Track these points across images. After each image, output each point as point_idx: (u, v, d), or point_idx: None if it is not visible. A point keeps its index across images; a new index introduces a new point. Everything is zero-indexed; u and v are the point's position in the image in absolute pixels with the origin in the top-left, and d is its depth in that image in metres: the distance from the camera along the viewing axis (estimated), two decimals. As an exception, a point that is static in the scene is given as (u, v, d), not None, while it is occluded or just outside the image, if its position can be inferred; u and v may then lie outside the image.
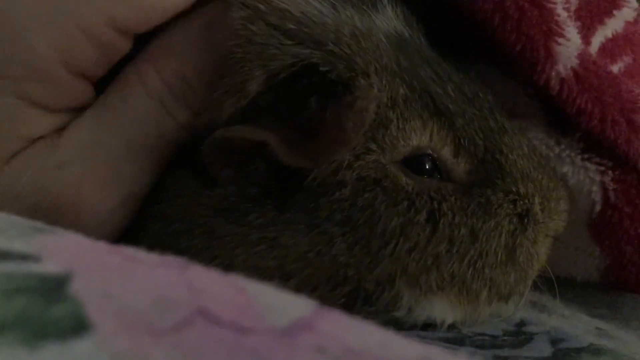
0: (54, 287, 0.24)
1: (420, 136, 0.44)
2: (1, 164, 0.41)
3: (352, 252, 0.42)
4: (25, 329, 0.22)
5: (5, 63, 0.40)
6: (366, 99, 0.39)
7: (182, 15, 0.43)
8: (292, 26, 0.40)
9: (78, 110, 0.43)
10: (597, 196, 0.51)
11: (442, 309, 0.44)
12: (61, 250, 0.26)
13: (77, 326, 0.22)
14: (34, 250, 0.26)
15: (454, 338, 0.44)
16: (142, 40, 0.43)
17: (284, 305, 0.25)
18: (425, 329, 0.44)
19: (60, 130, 0.42)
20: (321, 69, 0.39)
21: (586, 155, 0.51)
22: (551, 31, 0.48)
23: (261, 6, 0.40)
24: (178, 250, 0.35)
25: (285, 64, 0.39)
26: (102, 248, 0.27)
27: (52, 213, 0.40)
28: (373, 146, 0.42)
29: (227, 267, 0.40)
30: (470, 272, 0.44)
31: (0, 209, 0.35)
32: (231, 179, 0.42)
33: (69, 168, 0.41)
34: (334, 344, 0.23)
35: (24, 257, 0.25)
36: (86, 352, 0.21)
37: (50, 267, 0.25)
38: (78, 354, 0.21)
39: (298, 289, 0.40)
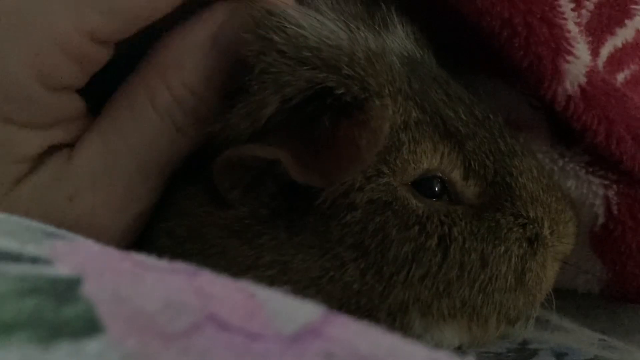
0: (66, 289, 0.24)
1: (430, 159, 0.44)
2: (5, 190, 0.40)
3: (364, 279, 0.42)
4: (37, 328, 0.22)
5: None
6: (380, 118, 0.40)
7: (183, 18, 0.42)
8: (308, 53, 0.40)
9: (71, 121, 0.42)
10: (600, 210, 0.52)
11: (451, 336, 0.44)
12: (72, 254, 0.27)
13: (89, 327, 0.23)
14: (45, 254, 0.26)
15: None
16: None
17: (292, 311, 0.25)
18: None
19: (63, 148, 0.41)
20: (335, 92, 0.39)
21: (590, 169, 0.51)
22: (560, 48, 0.48)
23: (276, 37, 0.40)
24: None
25: (299, 88, 0.39)
26: (112, 253, 0.28)
27: None
28: (385, 169, 0.43)
29: None
30: (480, 297, 0.44)
31: None
32: (242, 200, 0.42)
33: (82, 198, 0.41)
34: (343, 349, 0.24)
35: (35, 260, 0.26)
36: (98, 352, 0.22)
37: (61, 269, 0.25)
38: (90, 353, 0.22)
39: None
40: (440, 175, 0.44)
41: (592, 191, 0.52)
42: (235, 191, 0.42)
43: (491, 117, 0.48)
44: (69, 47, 0.39)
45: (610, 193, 0.51)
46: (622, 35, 0.56)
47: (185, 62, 0.41)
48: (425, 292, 0.42)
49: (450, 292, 0.43)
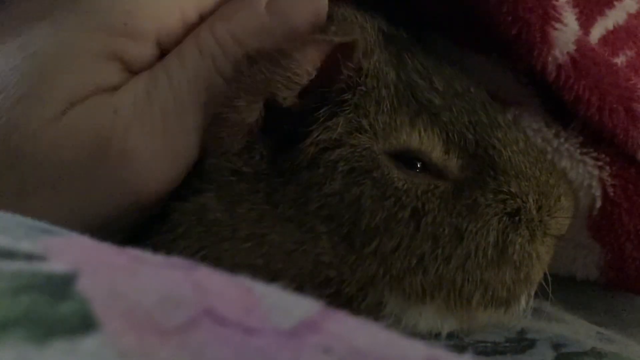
0: (61, 285, 0.24)
1: (410, 135, 0.44)
2: (65, 108, 0.42)
3: (335, 250, 0.42)
4: (32, 326, 0.22)
5: (113, 17, 0.43)
6: (344, 36, 0.42)
7: None
8: None
9: None
10: (598, 192, 0.52)
11: (432, 318, 0.44)
12: (67, 250, 0.27)
13: (84, 324, 0.23)
14: (40, 250, 0.26)
15: (456, 346, 0.44)
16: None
17: (290, 305, 0.26)
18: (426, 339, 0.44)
19: None
20: None
21: (584, 150, 0.51)
22: (547, 15, 0.48)
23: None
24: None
25: None
26: (107, 248, 0.28)
27: (102, 162, 0.41)
28: (365, 123, 0.44)
29: (216, 260, 0.42)
30: (459, 275, 0.43)
31: (59, 154, 0.41)
32: (228, 158, 0.43)
33: (122, 112, 0.42)
34: (340, 344, 0.24)
35: (30, 257, 0.26)
36: (93, 349, 0.22)
37: (56, 266, 0.25)
38: (85, 351, 0.22)
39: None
40: (421, 156, 0.45)
41: (588, 172, 0.52)
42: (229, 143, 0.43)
43: (472, 90, 0.48)
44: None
45: (605, 174, 0.51)
46: (613, 18, 0.56)
47: (234, 15, 0.45)
48: (397, 264, 0.42)
49: (425, 267, 0.43)
